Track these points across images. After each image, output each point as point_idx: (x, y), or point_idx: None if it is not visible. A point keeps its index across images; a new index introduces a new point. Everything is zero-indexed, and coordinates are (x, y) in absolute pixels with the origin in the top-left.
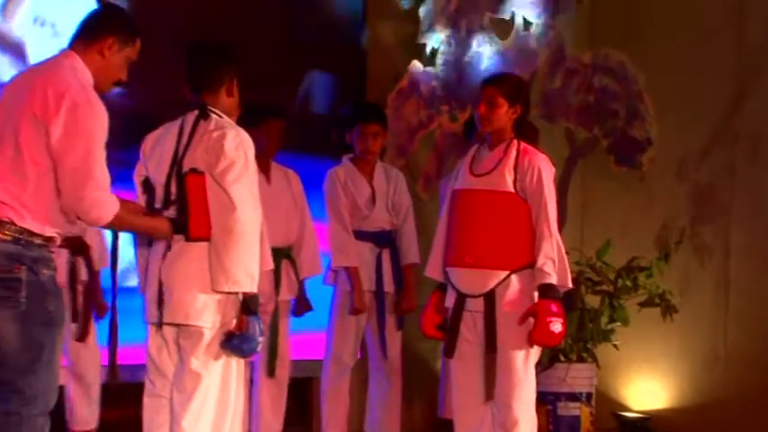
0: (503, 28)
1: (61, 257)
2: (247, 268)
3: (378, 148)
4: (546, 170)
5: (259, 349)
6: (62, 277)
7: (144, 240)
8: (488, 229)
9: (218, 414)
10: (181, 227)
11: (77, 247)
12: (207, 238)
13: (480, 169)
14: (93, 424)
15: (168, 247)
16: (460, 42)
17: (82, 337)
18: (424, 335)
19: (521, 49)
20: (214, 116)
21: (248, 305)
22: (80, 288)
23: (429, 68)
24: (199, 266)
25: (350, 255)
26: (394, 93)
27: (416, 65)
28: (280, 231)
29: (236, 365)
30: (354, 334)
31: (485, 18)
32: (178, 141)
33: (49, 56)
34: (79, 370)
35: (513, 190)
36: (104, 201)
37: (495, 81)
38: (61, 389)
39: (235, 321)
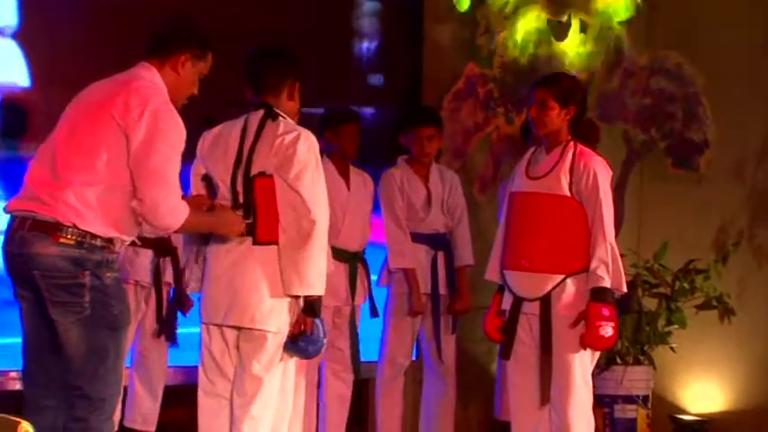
0: (560, 30)
1: (146, 258)
2: (320, 271)
3: (433, 151)
4: (602, 173)
5: (323, 351)
6: (147, 278)
7: (194, 237)
8: (544, 233)
9: (278, 418)
10: (249, 229)
11: (163, 248)
12: (274, 242)
13: (536, 172)
14: (154, 424)
15: (228, 248)
16: (517, 44)
17: (168, 336)
18: (488, 338)
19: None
20: (281, 118)
21: (313, 307)
22: (165, 289)
23: (486, 70)
24: (266, 270)
25: (408, 256)
26: (450, 95)
27: (473, 67)
28: (357, 235)
29: (297, 369)
30: (410, 335)
31: (541, 19)
32: (242, 141)
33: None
34: (147, 368)
35: (568, 193)
36: (177, 207)
37: (547, 83)
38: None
39: (296, 323)
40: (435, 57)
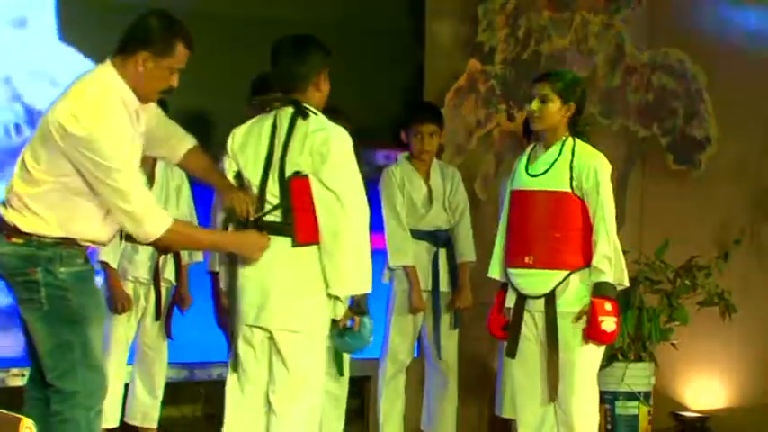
0: (561, 26)
1: (145, 255)
2: (361, 269)
3: (434, 148)
4: (602, 168)
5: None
6: (145, 275)
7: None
8: (547, 230)
9: (312, 416)
10: (286, 231)
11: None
12: (313, 243)
13: (536, 169)
14: (155, 421)
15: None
16: (519, 41)
17: (167, 334)
18: (492, 336)
19: (579, 48)
20: (311, 115)
21: (359, 305)
22: (165, 286)
23: (487, 67)
24: (304, 272)
25: (408, 253)
26: (452, 91)
27: (475, 64)
28: None
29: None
30: (411, 332)
31: (543, 16)
32: (272, 140)
33: None
34: (147, 365)
35: (569, 190)
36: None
37: (548, 77)
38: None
39: (343, 317)
40: (437, 53)
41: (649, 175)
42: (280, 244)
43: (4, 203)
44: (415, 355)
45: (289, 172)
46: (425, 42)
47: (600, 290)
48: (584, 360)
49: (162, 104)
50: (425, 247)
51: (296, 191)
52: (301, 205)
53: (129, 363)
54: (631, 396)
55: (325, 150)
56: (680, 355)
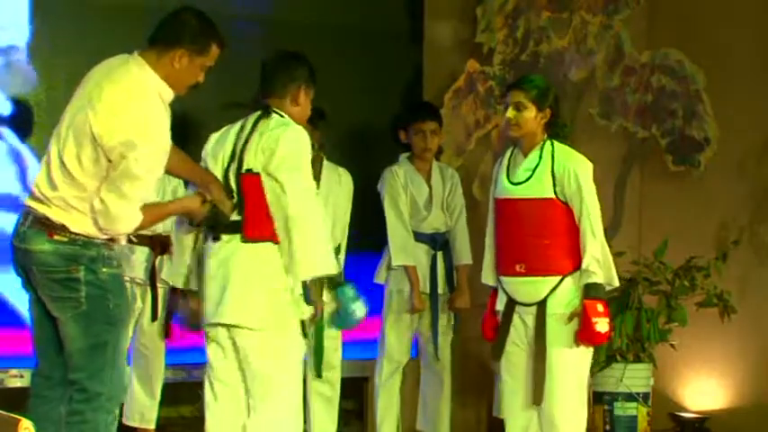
0: (560, 27)
1: (142, 255)
2: (315, 253)
3: (435, 146)
4: (582, 170)
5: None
6: (142, 275)
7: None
8: (535, 237)
9: (289, 417)
10: (240, 228)
11: (161, 245)
12: (263, 239)
13: (518, 177)
14: (153, 422)
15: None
16: (518, 41)
17: (165, 333)
18: (486, 339)
19: (578, 49)
20: (276, 115)
21: (332, 281)
22: (160, 287)
23: (486, 68)
24: (257, 268)
25: (411, 254)
26: (451, 92)
27: (473, 64)
28: None
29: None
30: (408, 333)
31: (542, 17)
32: (236, 141)
33: None
34: (145, 366)
35: (553, 196)
36: (131, 217)
37: (521, 85)
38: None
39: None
40: (436, 54)
41: (648, 176)
42: (235, 241)
43: (44, 202)
44: (412, 355)
45: (243, 169)
46: (424, 43)
47: (591, 291)
48: (572, 361)
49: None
50: (425, 250)
51: (246, 188)
52: (252, 202)
53: (127, 364)
54: (630, 397)
55: (275, 146)
56: (679, 355)
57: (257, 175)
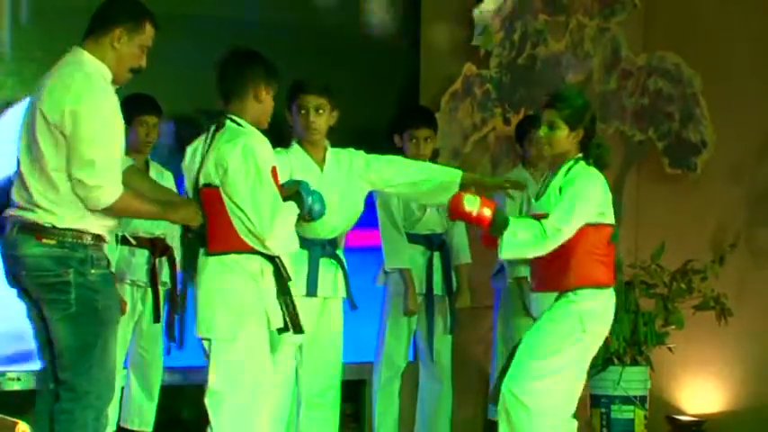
0: (557, 30)
1: (142, 258)
2: (289, 239)
3: (429, 153)
4: (582, 183)
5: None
6: (143, 278)
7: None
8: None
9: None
10: (205, 241)
11: (160, 248)
12: (227, 251)
13: (539, 193)
14: (151, 424)
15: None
16: (515, 45)
17: (169, 336)
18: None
19: (575, 52)
20: (230, 125)
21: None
22: (161, 289)
23: (483, 71)
24: (219, 280)
25: (404, 256)
26: (447, 95)
27: (470, 67)
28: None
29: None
30: (406, 336)
31: (539, 20)
32: (202, 155)
33: None
34: (144, 368)
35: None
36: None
37: (555, 103)
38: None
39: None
40: (432, 57)
41: (645, 179)
42: (204, 254)
43: (26, 209)
44: (411, 359)
45: (201, 183)
46: (421, 46)
47: (498, 215)
48: (545, 366)
49: (156, 109)
50: (420, 251)
51: (206, 201)
52: (213, 215)
53: (125, 366)
54: (627, 400)
55: (225, 164)
56: (676, 358)
57: (216, 188)
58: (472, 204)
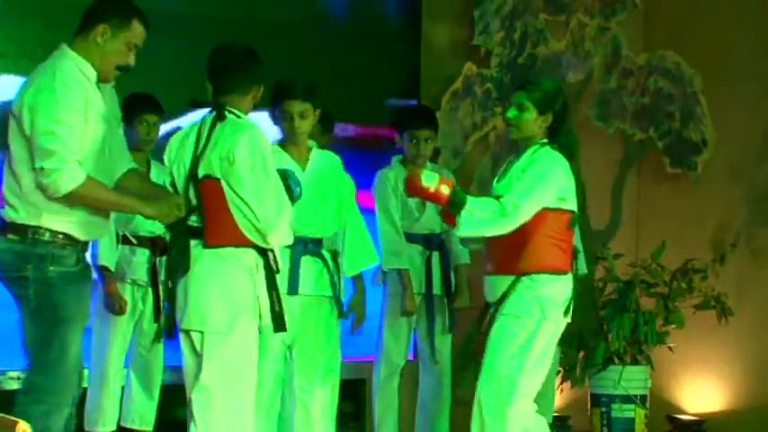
0: (558, 29)
1: (143, 257)
2: (286, 231)
3: (429, 153)
4: (544, 164)
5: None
6: (144, 277)
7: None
8: (498, 236)
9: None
10: (202, 233)
11: (161, 247)
12: (225, 245)
13: (500, 176)
14: (151, 424)
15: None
16: (515, 44)
17: (162, 336)
18: None
19: (576, 51)
20: (231, 117)
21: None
22: (162, 288)
23: (483, 70)
24: (215, 273)
25: (401, 256)
26: (448, 94)
27: (471, 67)
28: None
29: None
30: (405, 335)
31: (540, 19)
32: (196, 145)
33: None
34: (144, 368)
35: None
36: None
37: (526, 86)
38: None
39: None
40: (433, 56)
41: (645, 178)
42: (199, 247)
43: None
44: (411, 357)
45: (201, 174)
46: (421, 45)
47: (455, 192)
48: (505, 362)
49: (157, 108)
50: (419, 251)
51: (206, 193)
52: (212, 207)
53: (125, 365)
54: (628, 399)
55: (232, 156)
56: (676, 358)
57: (217, 180)
58: (430, 180)
